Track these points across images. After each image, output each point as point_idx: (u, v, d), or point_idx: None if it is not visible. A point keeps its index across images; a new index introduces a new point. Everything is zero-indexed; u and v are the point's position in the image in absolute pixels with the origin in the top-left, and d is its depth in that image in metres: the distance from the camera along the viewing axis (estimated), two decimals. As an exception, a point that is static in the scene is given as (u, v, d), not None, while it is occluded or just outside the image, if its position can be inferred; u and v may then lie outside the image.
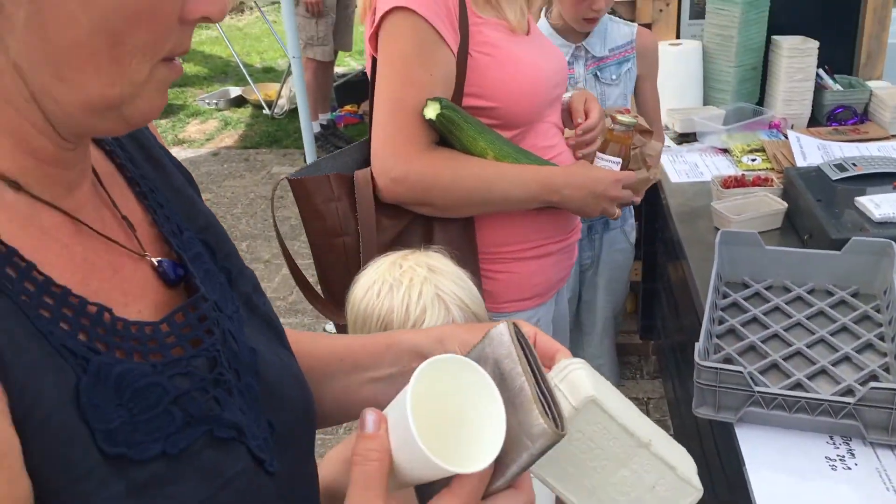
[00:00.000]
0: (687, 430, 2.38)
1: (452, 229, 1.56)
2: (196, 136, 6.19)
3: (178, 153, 5.80)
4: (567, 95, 1.74)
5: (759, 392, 1.31)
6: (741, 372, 1.30)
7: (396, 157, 1.47)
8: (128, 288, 0.69)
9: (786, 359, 1.47)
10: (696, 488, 0.71)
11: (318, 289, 1.63)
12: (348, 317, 1.27)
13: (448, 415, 0.66)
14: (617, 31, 2.28)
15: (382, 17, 1.45)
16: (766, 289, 1.70)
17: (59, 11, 0.56)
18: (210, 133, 6.24)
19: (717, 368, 1.32)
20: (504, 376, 0.65)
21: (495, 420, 0.63)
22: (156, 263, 0.72)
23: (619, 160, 1.61)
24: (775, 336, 1.55)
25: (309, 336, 0.95)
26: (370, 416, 0.67)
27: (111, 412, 0.60)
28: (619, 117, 1.59)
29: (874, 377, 1.39)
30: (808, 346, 1.49)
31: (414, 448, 0.60)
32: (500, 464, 0.64)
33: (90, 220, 0.67)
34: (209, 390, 0.68)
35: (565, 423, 0.63)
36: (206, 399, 0.68)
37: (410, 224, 1.55)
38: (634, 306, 3.26)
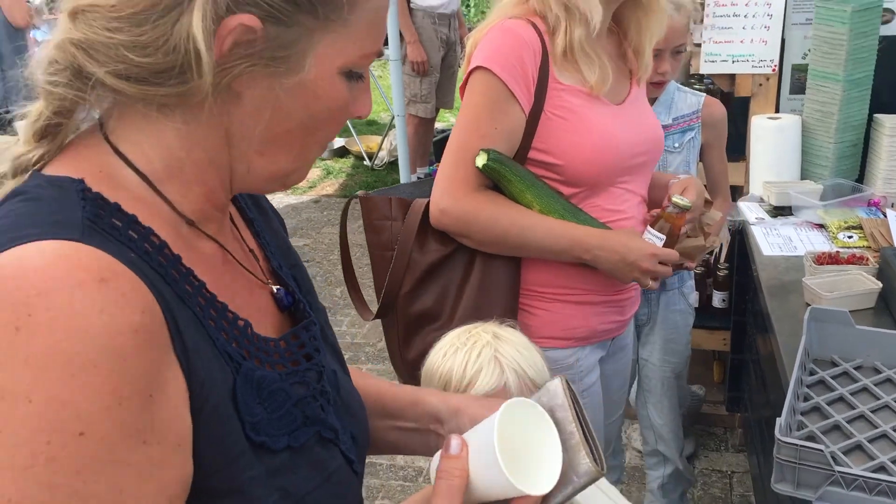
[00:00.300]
0: (770, 508, 2.34)
1: (494, 262, 1.69)
2: (299, 184, 6.45)
3: (282, 199, 6.06)
4: (679, 178, 1.79)
5: (839, 472, 1.31)
6: (822, 451, 1.31)
7: (447, 193, 1.65)
8: (258, 308, 0.84)
9: (871, 440, 1.46)
10: None
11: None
12: (421, 376, 1.37)
13: (512, 448, 0.77)
14: (683, 101, 2.33)
15: (469, 73, 1.64)
16: (856, 368, 1.68)
17: (284, 109, 0.74)
18: (313, 181, 6.50)
19: (797, 445, 1.33)
20: (557, 422, 0.78)
21: (551, 457, 0.76)
22: (275, 291, 0.88)
23: (664, 237, 1.63)
24: (861, 417, 1.54)
25: (354, 372, 1.07)
26: (455, 441, 0.81)
27: (254, 408, 0.74)
28: (675, 198, 1.62)
29: (963, 466, 1.36)
30: (895, 430, 1.47)
31: (494, 470, 0.73)
32: (547, 495, 0.76)
33: (231, 250, 0.83)
34: (317, 398, 0.83)
35: (603, 462, 0.75)
36: (317, 405, 0.82)
37: (455, 251, 1.71)
38: (722, 377, 3.22)
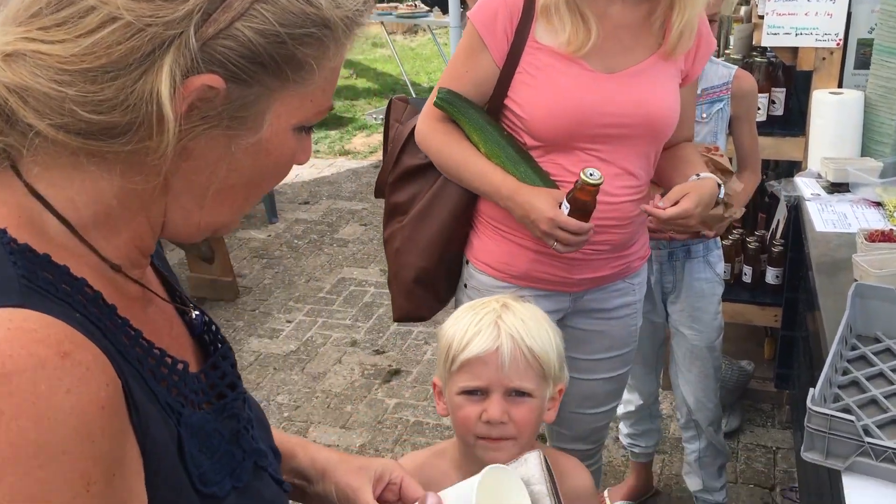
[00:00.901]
0: (811, 485, 2.34)
1: (452, 184, 1.86)
2: (361, 148, 6.55)
3: (343, 164, 6.16)
4: (699, 176, 1.78)
5: (869, 443, 1.33)
6: (852, 421, 1.33)
7: (421, 116, 1.87)
8: (180, 343, 0.79)
9: (907, 416, 1.46)
10: None
11: None
12: (437, 337, 1.45)
13: None
14: (714, 73, 2.30)
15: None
16: (899, 346, 1.68)
17: (236, 167, 0.70)
18: (374, 146, 6.58)
19: (829, 415, 1.35)
20: (533, 494, 0.82)
21: None
22: (194, 316, 0.82)
23: (569, 206, 1.64)
24: (900, 393, 1.54)
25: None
26: (431, 499, 0.83)
27: (198, 457, 0.70)
28: (582, 173, 1.60)
29: None
30: (932, 407, 1.48)
31: None
32: None
33: (152, 287, 0.78)
34: (248, 429, 0.80)
35: None
36: (248, 436, 0.80)
37: (432, 164, 1.90)
38: (772, 354, 3.21)
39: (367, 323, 3.87)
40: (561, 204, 1.66)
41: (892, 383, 1.56)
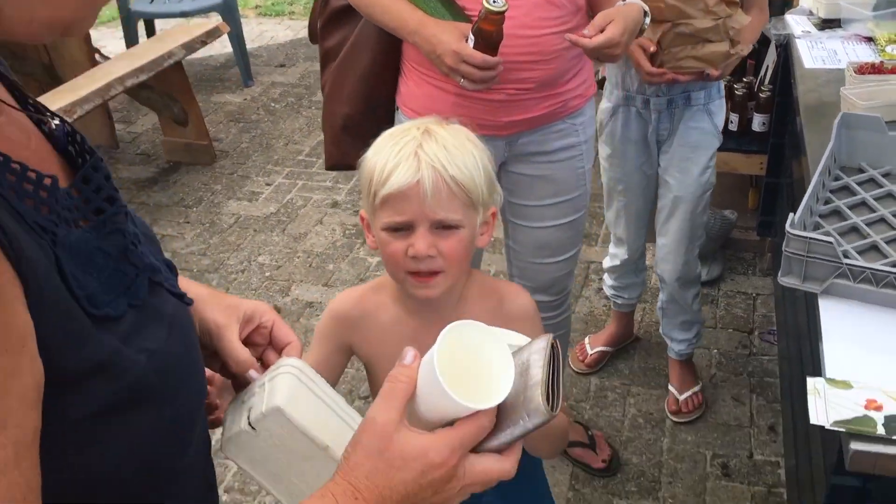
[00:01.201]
0: (788, 328, 2.36)
1: (373, 26, 1.81)
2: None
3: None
4: (620, 3, 1.67)
5: (847, 264, 1.30)
6: (831, 242, 1.29)
7: None
8: (41, 156, 0.70)
9: (888, 242, 1.44)
10: None
11: None
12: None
13: (466, 370, 0.76)
14: None
15: None
16: (884, 175, 1.64)
17: None
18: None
19: (807, 238, 1.32)
20: (529, 366, 0.78)
21: (504, 381, 0.75)
22: (54, 126, 0.73)
23: (473, 38, 1.55)
24: (882, 220, 1.51)
25: None
26: (410, 352, 0.77)
27: (84, 279, 0.64)
28: (485, 1, 1.50)
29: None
30: (914, 231, 1.45)
31: (434, 382, 0.72)
32: (495, 429, 0.76)
33: None
34: (136, 244, 0.74)
35: (558, 407, 0.74)
36: (137, 251, 0.73)
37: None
38: (756, 203, 3.18)
39: (348, 185, 3.81)
40: (467, 38, 1.56)
41: (875, 212, 1.53)
